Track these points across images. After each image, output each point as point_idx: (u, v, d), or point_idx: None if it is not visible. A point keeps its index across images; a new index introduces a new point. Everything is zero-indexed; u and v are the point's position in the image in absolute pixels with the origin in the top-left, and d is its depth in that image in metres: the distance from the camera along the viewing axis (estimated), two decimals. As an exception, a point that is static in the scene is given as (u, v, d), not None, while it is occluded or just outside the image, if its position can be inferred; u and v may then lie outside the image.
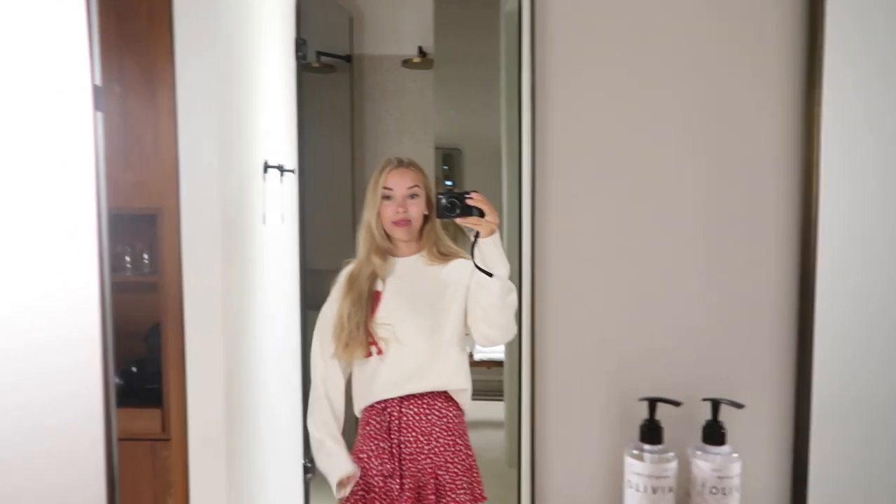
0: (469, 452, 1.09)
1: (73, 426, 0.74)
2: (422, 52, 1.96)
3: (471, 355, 2.97)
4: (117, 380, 1.06)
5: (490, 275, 0.98)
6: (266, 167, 1.29)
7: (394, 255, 1.07)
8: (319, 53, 1.92)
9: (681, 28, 1.04)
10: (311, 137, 1.64)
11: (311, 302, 1.67)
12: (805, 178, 1.02)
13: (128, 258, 1.24)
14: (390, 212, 1.04)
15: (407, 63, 1.95)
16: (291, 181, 1.52)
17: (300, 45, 1.54)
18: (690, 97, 1.04)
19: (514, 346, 1.25)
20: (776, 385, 1.02)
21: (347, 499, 1.07)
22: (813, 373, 0.98)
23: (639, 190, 1.05)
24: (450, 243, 1.08)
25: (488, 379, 2.54)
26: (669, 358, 1.03)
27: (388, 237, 1.05)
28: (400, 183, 1.04)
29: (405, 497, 1.04)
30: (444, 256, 1.07)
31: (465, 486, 1.06)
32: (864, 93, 1.00)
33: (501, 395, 2.42)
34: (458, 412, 1.09)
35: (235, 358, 1.18)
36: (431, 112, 1.92)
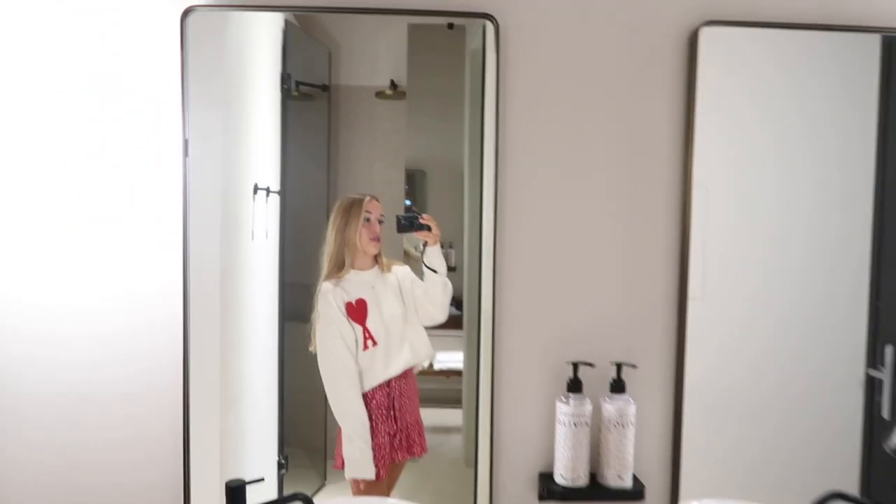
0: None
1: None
2: (393, 85, 2.12)
3: (431, 366, 3.13)
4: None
5: (435, 271, 1.42)
6: (256, 189, 1.44)
7: (358, 268, 1.44)
8: (298, 83, 2.06)
9: (603, 81, 1.38)
10: (293, 161, 1.79)
11: (288, 313, 1.80)
12: (683, 207, 1.43)
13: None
14: (369, 231, 1.41)
15: (380, 94, 2.10)
16: (274, 201, 1.66)
17: (286, 78, 1.69)
18: (611, 137, 1.39)
19: (473, 357, 1.46)
20: (662, 353, 1.44)
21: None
22: (686, 344, 1.42)
23: (567, 210, 1.41)
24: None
25: (447, 388, 2.68)
26: (589, 334, 1.45)
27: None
28: (376, 209, 1.47)
29: (401, 442, 1.46)
30: (388, 266, 1.46)
31: (423, 434, 1.52)
32: (725, 123, 1.44)
33: (459, 404, 2.56)
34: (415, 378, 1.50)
35: (229, 359, 1.32)
36: (403, 139, 2.08)
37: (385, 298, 1.44)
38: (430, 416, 1.68)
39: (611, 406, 1.36)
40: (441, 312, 1.45)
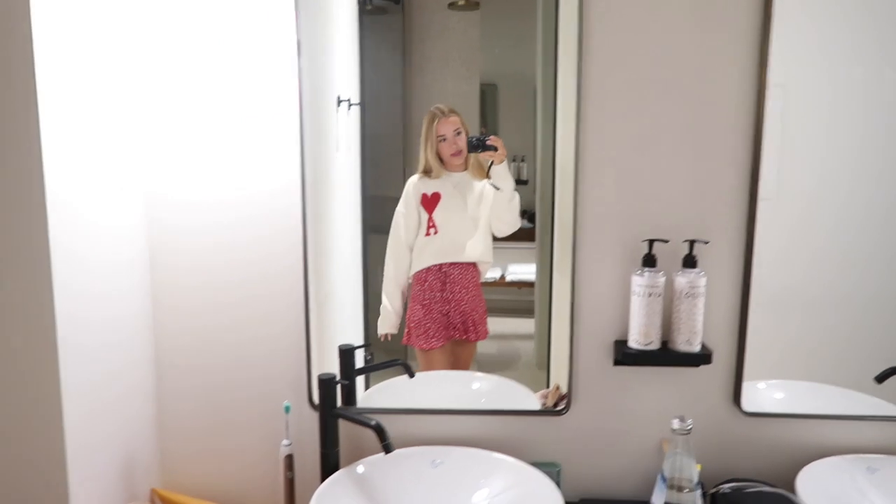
0: (484, 302, 1.70)
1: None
2: (466, -5, 2.09)
3: (503, 277, 3.20)
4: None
5: (498, 188, 1.54)
6: (339, 101, 1.51)
7: (449, 170, 1.59)
8: (371, -4, 2.06)
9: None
10: (369, 75, 1.82)
11: (369, 226, 1.88)
12: (757, 104, 1.43)
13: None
14: (446, 148, 1.54)
15: (452, 6, 2.09)
16: (354, 113, 1.72)
17: (361, -8, 1.71)
18: (688, 34, 1.43)
19: (546, 267, 1.50)
20: (732, 229, 1.49)
21: (413, 326, 1.65)
22: (756, 223, 1.47)
23: (642, 110, 1.40)
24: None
25: (519, 298, 2.75)
26: (662, 213, 1.51)
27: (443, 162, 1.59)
28: (448, 128, 1.55)
29: (457, 323, 1.66)
30: (482, 174, 1.58)
31: (484, 322, 1.68)
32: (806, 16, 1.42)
33: (530, 314, 2.63)
34: (479, 277, 1.67)
35: (320, 263, 1.43)
36: (476, 52, 2.06)
37: (461, 198, 1.58)
38: (503, 325, 1.78)
39: (683, 279, 1.42)
40: (507, 226, 1.59)
